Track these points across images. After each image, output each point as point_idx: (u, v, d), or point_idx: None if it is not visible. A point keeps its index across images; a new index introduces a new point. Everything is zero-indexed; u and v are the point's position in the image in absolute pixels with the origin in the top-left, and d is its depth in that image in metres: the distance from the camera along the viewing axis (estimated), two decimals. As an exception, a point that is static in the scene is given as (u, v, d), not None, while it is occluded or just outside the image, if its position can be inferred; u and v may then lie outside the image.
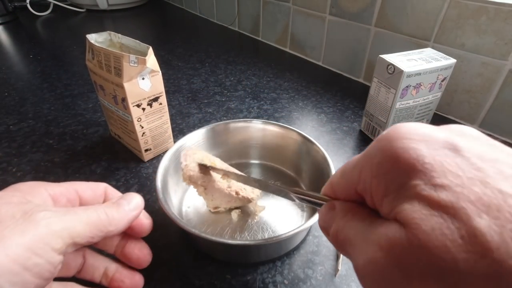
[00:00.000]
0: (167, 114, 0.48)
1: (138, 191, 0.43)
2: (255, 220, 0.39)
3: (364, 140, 0.54)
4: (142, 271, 0.33)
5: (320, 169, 0.40)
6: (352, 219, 0.18)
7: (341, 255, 0.34)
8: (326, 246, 0.36)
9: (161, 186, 0.36)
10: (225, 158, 0.47)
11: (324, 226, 0.20)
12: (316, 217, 0.32)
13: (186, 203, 0.41)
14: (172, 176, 0.39)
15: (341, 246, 0.18)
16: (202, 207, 0.40)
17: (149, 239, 0.36)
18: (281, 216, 0.40)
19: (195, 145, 0.44)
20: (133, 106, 0.43)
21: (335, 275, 0.34)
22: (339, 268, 0.33)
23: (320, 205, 0.23)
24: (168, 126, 0.49)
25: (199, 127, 0.56)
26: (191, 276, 0.33)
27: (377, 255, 0.14)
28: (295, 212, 0.40)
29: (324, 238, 0.37)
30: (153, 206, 0.41)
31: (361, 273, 0.16)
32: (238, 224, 0.39)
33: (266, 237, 0.37)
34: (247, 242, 0.31)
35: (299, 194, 0.26)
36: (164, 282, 0.33)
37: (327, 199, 0.22)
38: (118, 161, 0.49)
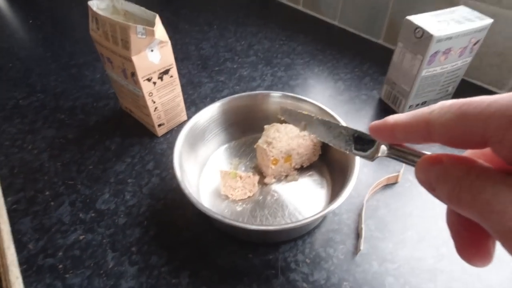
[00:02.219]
0: (179, 87, 0.46)
1: (154, 169, 0.43)
2: (275, 198, 0.39)
3: (384, 109, 0.52)
4: (165, 252, 0.34)
5: (351, 164, 0.38)
6: (483, 175, 0.16)
7: (363, 234, 0.34)
8: (347, 225, 0.36)
9: (179, 167, 0.35)
10: (239, 133, 0.45)
11: (427, 181, 0.18)
12: (340, 198, 0.31)
13: (203, 180, 0.41)
14: (188, 153, 0.38)
15: (466, 207, 0.16)
16: (219, 181, 0.39)
17: (169, 219, 0.37)
18: (300, 193, 0.39)
19: (209, 121, 0.42)
20: (144, 80, 0.41)
21: (356, 254, 0.34)
22: (361, 248, 0.33)
23: (409, 159, 0.21)
24: (180, 99, 0.47)
25: (211, 98, 0.54)
26: (213, 256, 0.34)
27: None
28: (315, 188, 0.40)
29: (345, 216, 0.37)
30: (170, 184, 0.41)
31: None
32: (257, 201, 0.38)
33: (286, 215, 0.37)
34: (270, 228, 0.30)
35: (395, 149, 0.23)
36: (187, 263, 0.33)
37: (422, 154, 0.20)
38: (131, 136, 0.48)
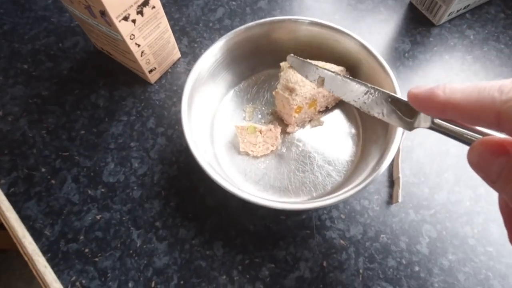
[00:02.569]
0: (165, 19, 0.36)
1: (157, 126, 0.37)
2: (300, 148, 0.35)
3: (416, 20, 0.43)
4: (192, 223, 0.32)
5: (375, 81, 0.32)
6: None
7: (400, 183, 0.32)
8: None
9: (190, 133, 0.30)
10: (247, 71, 0.38)
11: (486, 172, 0.16)
12: (388, 159, 0.27)
13: (217, 135, 0.36)
14: (195, 108, 0.32)
15: None
16: (236, 137, 0.35)
17: (188, 186, 0.33)
18: (327, 140, 0.35)
19: (214, 66, 0.34)
20: (120, 21, 0.31)
21: (392, 203, 0.32)
22: (399, 199, 0.31)
23: (462, 138, 0.18)
24: (169, 34, 0.37)
25: (204, 22, 0.44)
26: (244, 222, 0.32)
27: None
28: (342, 131, 0.35)
29: (377, 162, 0.34)
30: (180, 144, 0.36)
31: None
32: (282, 155, 0.35)
33: (315, 168, 0.34)
34: (304, 206, 0.27)
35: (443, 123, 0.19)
36: (218, 232, 0.32)
37: (481, 133, 0.17)
38: (120, 86, 0.40)
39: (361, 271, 0.30)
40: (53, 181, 0.35)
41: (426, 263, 0.30)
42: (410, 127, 0.23)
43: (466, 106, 0.15)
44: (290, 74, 0.32)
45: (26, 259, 0.33)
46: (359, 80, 0.25)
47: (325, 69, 0.28)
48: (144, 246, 0.32)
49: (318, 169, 0.34)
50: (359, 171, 0.31)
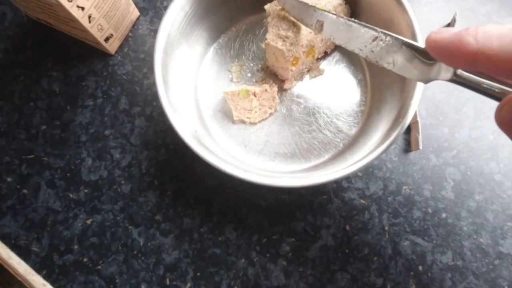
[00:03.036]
0: (108, -33, 0.28)
1: (131, 106, 0.31)
2: (302, 106, 0.30)
3: None
4: (195, 210, 0.28)
5: (386, 17, 0.27)
6: None
7: (420, 128, 0.28)
8: (394, 118, 0.30)
9: (169, 106, 0.24)
10: (225, 23, 0.32)
11: None
12: (412, 107, 0.23)
13: (204, 105, 0.31)
14: (172, 77, 0.27)
15: None
16: (226, 104, 0.30)
17: (182, 169, 0.29)
18: (330, 91, 0.31)
19: (184, 22, 0.27)
20: (48, -22, 0.23)
21: (410, 151, 0.29)
22: (420, 146, 0.28)
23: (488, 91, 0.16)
24: (118, -13, 0.29)
25: (159, -36, 0.35)
26: (254, 198, 0.29)
27: None
28: (347, 78, 0.31)
29: (389, 107, 0.30)
30: (163, 122, 0.31)
31: None
32: (283, 116, 0.30)
33: (322, 125, 0.30)
34: (319, 181, 0.23)
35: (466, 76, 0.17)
36: (227, 214, 0.29)
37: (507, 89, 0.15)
38: (74, 64, 0.33)
39: (386, 228, 0.28)
40: (24, 191, 0.30)
41: (453, 208, 0.28)
42: (426, 79, 0.20)
43: (507, 57, 0.13)
44: (279, 20, 0.26)
45: (20, 280, 0.29)
46: (366, 24, 0.21)
47: (324, 10, 0.23)
48: (149, 244, 0.28)
49: (326, 126, 0.30)
50: (374, 122, 0.28)
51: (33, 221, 0.29)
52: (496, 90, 0.16)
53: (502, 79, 0.15)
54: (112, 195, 0.29)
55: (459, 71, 0.17)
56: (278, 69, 0.30)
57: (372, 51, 0.21)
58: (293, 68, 0.28)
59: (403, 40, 0.19)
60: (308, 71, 0.31)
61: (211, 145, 0.27)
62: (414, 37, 0.24)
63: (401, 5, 0.25)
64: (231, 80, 0.31)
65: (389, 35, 0.20)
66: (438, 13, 0.33)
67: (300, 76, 0.31)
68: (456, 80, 0.18)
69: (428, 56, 0.19)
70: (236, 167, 0.23)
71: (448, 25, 0.33)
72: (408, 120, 0.23)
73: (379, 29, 0.20)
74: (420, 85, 0.23)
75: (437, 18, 0.33)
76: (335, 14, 0.23)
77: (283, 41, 0.26)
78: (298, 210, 0.29)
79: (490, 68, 0.14)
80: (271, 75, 0.31)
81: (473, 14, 0.33)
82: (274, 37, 0.27)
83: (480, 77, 0.16)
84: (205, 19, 0.29)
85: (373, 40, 0.21)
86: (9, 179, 0.30)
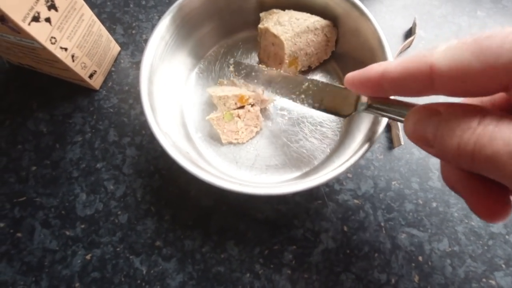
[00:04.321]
0: (87, 8, 0.29)
1: (120, 138, 0.32)
2: (286, 117, 0.32)
3: None
4: (195, 231, 0.29)
5: (370, 56, 0.28)
6: (504, 122, 0.12)
7: (399, 124, 0.30)
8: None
9: (159, 130, 0.25)
10: (204, 49, 0.33)
11: (422, 137, 0.15)
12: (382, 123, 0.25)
13: (192, 129, 0.31)
14: (158, 104, 0.28)
15: (491, 158, 0.13)
16: (212, 126, 0.31)
17: (177, 193, 0.29)
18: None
19: (166, 48, 0.29)
20: (28, 23, 0.24)
21: (394, 148, 0.31)
22: (402, 142, 0.30)
23: (395, 113, 0.19)
24: (98, 26, 0.31)
25: (133, 0, 0.37)
26: (251, 212, 0.29)
27: None
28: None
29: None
30: (153, 150, 0.32)
31: None
32: (270, 131, 0.31)
33: (308, 134, 0.31)
34: (312, 184, 0.24)
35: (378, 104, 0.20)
36: (226, 232, 0.29)
37: (411, 105, 0.17)
38: (59, 103, 0.33)
39: (382, 224, 0.29)
40: (18, 234, 0.29)
41: (442, 196, 0.29)
42: (347, 114, 0.23)
43: (403, 72, 0.15)
44: (272, 17, 0.29)
45: (20, 328, 0.28)
46: (299, 76, 0.26)
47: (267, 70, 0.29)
48: (152, 271, 0.28)
49: (312, 133, 0.31)
50: (356, 124, 0.29)
51: (30, 264, 0.28)
52: (403, 112, 0.18)
53: (405, 104, 0.18)
54: (110, 227, 0.29)
55: (373, 104, 0.20)
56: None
57: (305, 97, 0.26)
58: (286, 65, 0.30)
59: (327, 84, 0.24)
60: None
61: (203, 165, 0.28)
62: (380, 43, 0.27)
63: (363, 14, 0.27)
64: (218, 103, 0.32)
65: (314, 81, 0.25)
66: (399, 19, 0.36)
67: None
68: (372, 110, 0.20)
69: (345, 96, 0.23)
70: (231, 182, 0.24)
71: (410, 29, 0.36)
72: (384, 121, 0.24)
73: (309, 78, 0.26)
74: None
75: (399, 24, 0.36)
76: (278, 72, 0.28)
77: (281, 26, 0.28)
78: (296, 218, 0.29)
79: (392, 86, 0.16)
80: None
81: (430, 17, 0.36)
82: (273, 22, 0.29)
83: (392, 105, 0.19)
84: (184, 45, 0.31)
85: (307, 90, 0.26)
86: (1, 225, 0.30)
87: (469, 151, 0.13)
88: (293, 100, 0.26)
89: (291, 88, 0.26)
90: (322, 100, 0.24)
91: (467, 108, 0.14)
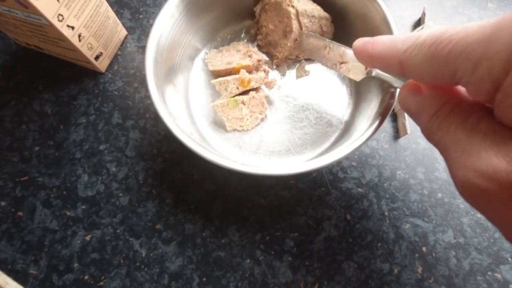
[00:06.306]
0: (95, -12, 0.29)
1: (124, 120, 0.32)
2: (291, 104, 0.31)
3: None
4: (196, 215, 0.28)
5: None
6: (448, 119, 0.15)
7: (406, 116, 0.30)
8: (380, 107, 0.31)
9: (166, 111, 0.25)
10: (211, 33, 0.33)
11: (407, 110, 0.19)
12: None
13: (197, 115, 0.31)
14: (163, 88, 0.27)
15: (435, 145, 0.17)
16: (217, 113, 0.30)
17: (180, 176, 0.29)
18: (317, 89, 0.32)
19: (172, 33, 0.29)
20: (38, -2, 0.24)
21: (400, 137, 0.30)
22: (408, 131, 0.29)
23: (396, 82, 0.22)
24: (106, 7, 0.31)
25: (143, -14, 0.37)
26: (253, 198, 0.29)
27: (488, 185, 0.13)
28: (332, 78, 0.32)
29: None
30: (157, 133, 0.31)
31: (460, 188, 0.15)
32: (275, 118, 0.31)
33: (313, 121, 0.31)
34: (311, 167, 0.24)
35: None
36: (228, 216, 0.28)
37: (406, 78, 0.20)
38: (65, 85, 0.33)
39: (386, 213, 0.28)
40: (19, 213, 0.29)
41: (447, 187, 0.29)
42: (358, 77, 0.25)
43: (382, 57, 0.18)
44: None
45: (18, 307, 0.28)
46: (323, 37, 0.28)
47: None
48: (151, 254, 0.28)
49: (316, 121, 0.31)
50: (360, 112, 0.29)
51: (30, 243, 0.28)
52: (399, 81, 0.21)
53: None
54: (111, 208, 0.29)
55: (376, 71, 0.23)
56: (272, 45, 0.31)
57: (327, 58, 0.28)
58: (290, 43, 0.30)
59: (344, 48, 0.26)
60: (296, 58, 0.32)
61: (207, 147, 0.27)
62: (389, 28, 0.26)
63: (373, 1, 0.27)
64: (221, 88, 0.32)
65: (334, 44, 0.27)
66: (409, 9, 0.36)
67: (289, 63, 0.32)
68: (379, 75, 0.23)
69: None
70: (234, 161, 0.24)
71: (419, 20, 0.35)
72: (393, 102, 0.24)
73: (330, 40, 0.27)
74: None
75: (408, 14, 0.35)
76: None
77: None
78: (298, 205, 0.29)
79: (379, 65, 0.19)
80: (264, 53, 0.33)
81: (441, 8, 0.36)
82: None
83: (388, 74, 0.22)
84: (192, 27, 0.31)
85: (328, 52, 0.27)
86: (3, 203, 0.30)
87: (427, 133, 0.17)
88: (319, 62, 0.29)
89: (319, 48, 0.28)
90: (339, 64, 0.27)
91: (439, 93, 0.16)
